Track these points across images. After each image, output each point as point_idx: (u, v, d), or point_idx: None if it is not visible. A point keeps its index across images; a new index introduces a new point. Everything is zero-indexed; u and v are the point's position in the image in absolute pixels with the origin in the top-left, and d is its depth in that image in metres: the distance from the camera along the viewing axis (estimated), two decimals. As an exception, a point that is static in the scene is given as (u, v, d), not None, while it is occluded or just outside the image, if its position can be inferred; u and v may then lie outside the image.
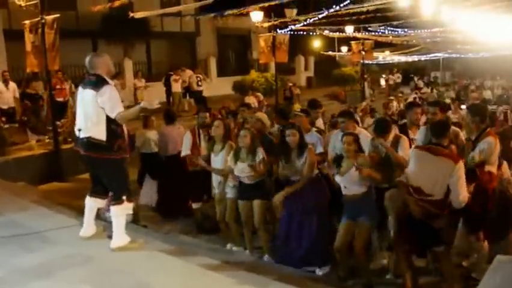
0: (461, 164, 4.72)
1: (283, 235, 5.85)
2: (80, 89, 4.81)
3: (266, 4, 13.30)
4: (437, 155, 4.81)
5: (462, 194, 4.68)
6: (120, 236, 4.79)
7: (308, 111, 6.94)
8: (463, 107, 18.71)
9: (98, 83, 4.58)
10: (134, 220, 6.35)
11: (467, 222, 5.29)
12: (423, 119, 6.64)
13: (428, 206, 4.79)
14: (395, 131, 5.93)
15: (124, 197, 4.76)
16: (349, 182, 5.22)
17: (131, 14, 13.71)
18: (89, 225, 5.04)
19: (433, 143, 4.95)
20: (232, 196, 6.30)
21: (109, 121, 4.57)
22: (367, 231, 5.30)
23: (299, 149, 5.65)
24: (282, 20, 17.59)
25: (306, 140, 5.88)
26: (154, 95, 16.89)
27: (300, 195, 5.65)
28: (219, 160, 6.38)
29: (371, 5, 13.33)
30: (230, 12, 14.22)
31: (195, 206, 7.47)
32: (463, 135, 6.15)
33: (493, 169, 5.32)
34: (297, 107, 13.05)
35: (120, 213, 4.78)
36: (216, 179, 6.52)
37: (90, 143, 4.60)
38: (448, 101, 18.13)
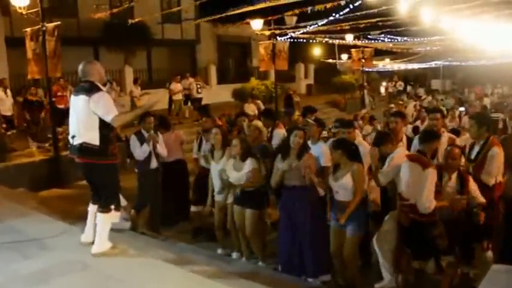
0: (430, 171, 4.82)
1: (284, 243, 5.84)
2: (72, 96, 4.85)
3: (267, 5, 13.34)
4: (412, 161, 4.99)
5: (425, 199, 4.76)
6: (102, 242, 4.80)
7: (321, 121, 6.98)
8: (462, 109, 18.80)
9: (91, 89, 4.61)
10: (133, 227, 6.37)
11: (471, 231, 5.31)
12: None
13: (407, 210, 4.95)
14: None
15: (112, 206, 4.79)
16: (341, 188, 5.26)
17: (131, 21, 13.79)
18: (89, 230, 5.03)
19: (418, 150, 5.16)
20: (233, 201, 6.35)
21: (102, 126, 4.61)
22: (354, 240, 5.29)
23: (298, 152, 5.58)
24: (282, 29, 17.67)
25: (312, 152, 5.89)
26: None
27: (295, 207, 5.62)
28: (220, 167, 6.40)
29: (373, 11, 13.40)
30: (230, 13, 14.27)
31: (193, 209, 7.48)
32: (461, 140, 6.24)
33: (491, 180, 5.38)
34: (296, 114, 13.06)
35: (106, 221, 4.79)
36: (217, 185, 6.52)
37: (84, 148, 4.63)
38: (444, 108, 18.19)
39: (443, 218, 5.03)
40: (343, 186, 5.22)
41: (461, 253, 5.16)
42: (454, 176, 5.12)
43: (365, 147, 5.97)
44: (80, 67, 4.79)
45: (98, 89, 4.66)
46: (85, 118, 4.61)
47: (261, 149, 6.52)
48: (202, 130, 7.91)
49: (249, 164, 5.96)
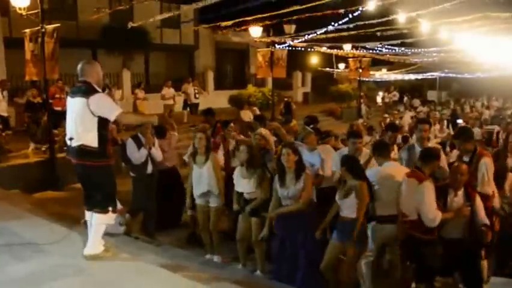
0: (425, 184, 4.87)
1: (277, 254, 5.83)
2: (69, 98, 4.80)
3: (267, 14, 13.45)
4: (409, 177, 5.05)
5: (429, 212, 4.79)
6: (95, 244, 4.79)
7: (319, 129, 6.98)
8: (459, 121, 18.81)
9: (88, 91, 4.58)
10: (128, 232, 6.36)
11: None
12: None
13: (408, 226, 4.97)
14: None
15: (110, 208, 4.77)
16: (346, 206, 5.21)
17: (130, 24, 13.79)
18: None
19: (415, 166, 5.19)
20: (217, 205, 6.36)
21: (100, 127, 4.59)
22: (354, 257, 5.24)
23: (296, 172, 5.52)
24: (280, 37, 17.74)
25: (308, 160, 5.88)
26: (151, 106, 17.04)
27: (291, 222, 5.56)
28: (204, 172, 6.37)
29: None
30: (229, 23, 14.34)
31: (189, 213, 7.46)
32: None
33: (489, 189, 5.45)
34: (293, 123, 13.07)
35: (102, 222, 4.78)
36: (197, 189, 6.50)
37: (83, 151, 4.60)
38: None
39: (448, 236, 5.04)
40: (348, 204, 5.17)
41: (464, 277, 5.13)
42: (460, 193, 5.10)
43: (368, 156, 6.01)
44: (79, 66, 4.77)
45: (96, 91, 4.62)
46: (82, 120, 4.57)
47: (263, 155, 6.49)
48: None
49: (258, 174, 5.91)
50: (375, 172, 5.52)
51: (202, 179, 6.44)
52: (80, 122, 4.59)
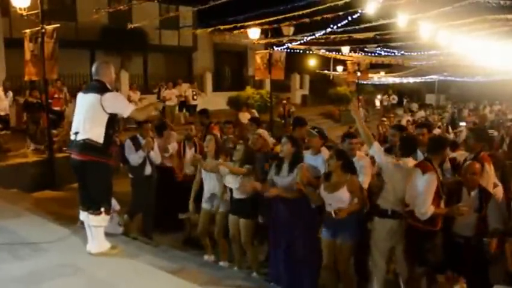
0: (429, 176, 4.81)
1: (273, 254, 5.83)
2: (80, 94, 4.92)
3: (266, 20, 13.46)
4: (415, 167, 5.02)
5: (421, 204, 4.75)
6: (99, 242, 4.86)
7: (323, 132, 7.00)
8: (462, 123, 18.82)
9: (102, 88, 4.72)
10: (126, 232, 6.38)
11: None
12: None
13: (407, 216, 4.96)
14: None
15: (103, 209, 4.80)
16: (335, 201, 5.14)
17: (130, 25, 13.84)
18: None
19: (424, 158, 5.15)
20: (224, 210, 6.32)
21: (108, 126, 4.69)
22: (349, 250, 5.22)
23: (291, 164, 5.54)
24: (279, 39, 17.74)
25: (310, 162, 5.83)
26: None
27: (288, 220, 5.54)
28: (213, 176, 6.37)
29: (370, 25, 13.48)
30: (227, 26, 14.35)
31: (180, 216, 7.48)
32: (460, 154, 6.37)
33: None
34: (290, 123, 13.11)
35: (97, 224, 4.83)
36: (207, 191, 6.51)
37: (86, 145, 4.65)
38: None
39: (460, 232, 4.96)
40: (338, 198, 5.11)
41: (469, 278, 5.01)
42: (474, 193, 5.00)
43: (365, 161, 5.97)
44: (95, 65, 4.93)
45: (109, 89, 4.77)
46: (93, 115, 4.66)
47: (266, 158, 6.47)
48: (185, 137, 7.92)
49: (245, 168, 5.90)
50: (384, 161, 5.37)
51: (208, 182, 6.47)
52: (89, 118, 4.68)
